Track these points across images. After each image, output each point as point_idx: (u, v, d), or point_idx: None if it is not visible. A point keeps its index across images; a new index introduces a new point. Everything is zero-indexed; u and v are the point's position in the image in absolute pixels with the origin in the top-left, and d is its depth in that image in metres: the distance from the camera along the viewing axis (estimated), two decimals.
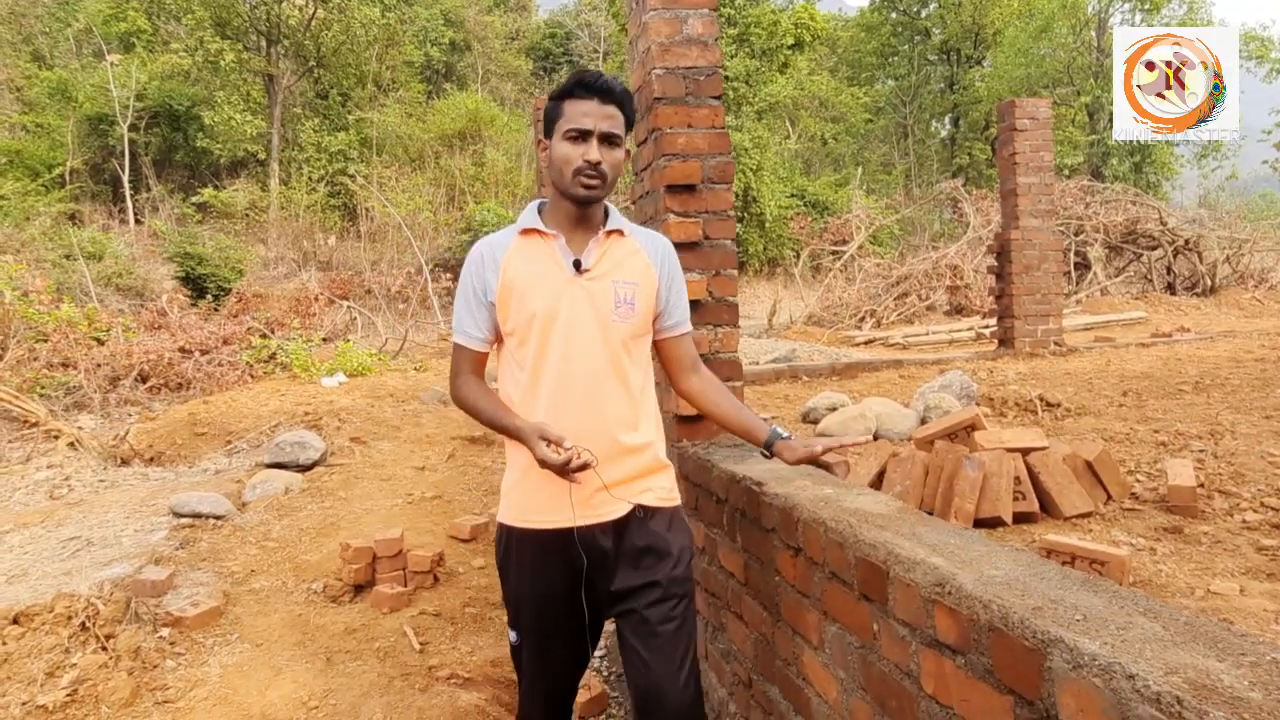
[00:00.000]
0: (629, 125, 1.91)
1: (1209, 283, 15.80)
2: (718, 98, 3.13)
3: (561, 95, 1.89)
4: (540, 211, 1.97)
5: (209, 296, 13.61)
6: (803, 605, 2.00)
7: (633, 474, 1.91)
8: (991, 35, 28.47)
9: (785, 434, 2.04)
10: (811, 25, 26.37)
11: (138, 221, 18.18)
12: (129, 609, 3.09)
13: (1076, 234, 15.93)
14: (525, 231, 1.93)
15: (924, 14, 29.65)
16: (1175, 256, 16.20)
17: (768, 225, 18.92)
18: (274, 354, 10.04)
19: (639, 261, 1.96)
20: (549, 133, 1.90)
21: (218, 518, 4.65)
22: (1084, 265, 16.01)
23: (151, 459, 6.47)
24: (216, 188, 18.83)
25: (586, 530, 1.86)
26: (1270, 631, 1.98)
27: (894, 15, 29.63)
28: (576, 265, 1.89)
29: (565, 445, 1.75)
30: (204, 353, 10.19)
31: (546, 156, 1.92)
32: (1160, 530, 2.86)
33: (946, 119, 31.16)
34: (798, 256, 17.17)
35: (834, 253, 16.91)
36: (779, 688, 2.21)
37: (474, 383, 2.00)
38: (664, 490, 1.97)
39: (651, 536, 1.91)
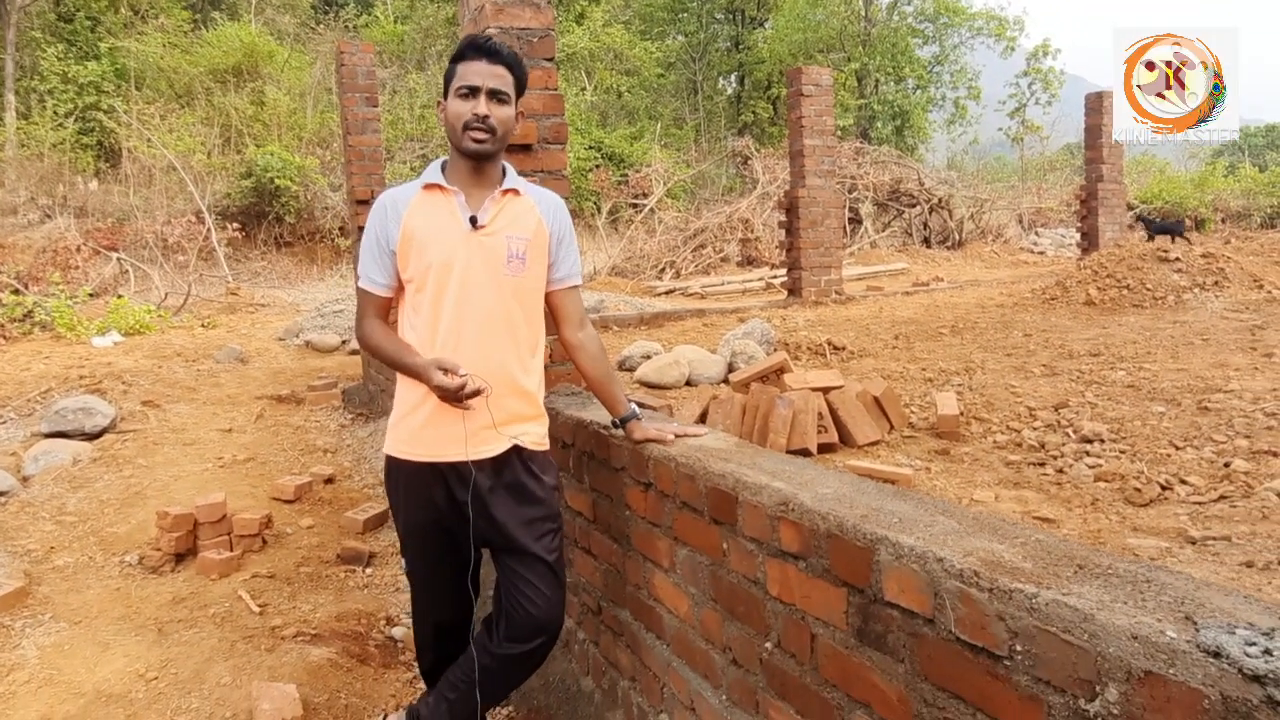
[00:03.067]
0: (520, 88, 2.05)
1: (957, 237, 17.88)
2: (551, 59, 3.23)
3: (455, 58, 2.02)
4: (444, 169, 2.09)
5: None
6: (654, 534, 2.24)
7: (515, 416, 2.08)
8: None
9: (640, 414, 2.25)
10: None
11: None
12: None
13: (850, 191, 17.37)
14: (428, 186, 2.05)
15: None
16: (930, 213, 18.15)
17: (568, 177, 18.99)
18: (30, 312, 8.97)
19: (532, 218, 2.11)
20: (446, 93, 2.03)
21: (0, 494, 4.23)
22: (856, 220, 17.53)
23: None
24: None
25: (468, 465, 2.01)
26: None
27: None
28: (473, 221, 2.01)
29: (460, 372, 1.91)
30: None
31: (443, 115, 2.04)
32: (932, 452, 3.40)
33: (733, 77, 32.45)
34: (599, 209, 17.44)
35: (633, 205, 17.37)
36: (629, 610, 2.44)
37: (378, 325, 2.09)
38: (539, 436, 2.16)
39: (528, 475, 2.10)
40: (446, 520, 2.06)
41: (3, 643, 2.87)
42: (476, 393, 1.92)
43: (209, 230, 12.54)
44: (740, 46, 30.69)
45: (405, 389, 2.06)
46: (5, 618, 3.02)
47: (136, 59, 17.92)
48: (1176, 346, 4.98)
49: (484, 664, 2.10)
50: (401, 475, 2.08)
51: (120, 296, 9.92)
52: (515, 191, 2.09)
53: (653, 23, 30.36)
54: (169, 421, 5.56)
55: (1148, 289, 6.59)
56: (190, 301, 10.51)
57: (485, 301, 2.02)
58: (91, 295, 10.21)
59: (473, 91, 1.97)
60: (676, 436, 2.18)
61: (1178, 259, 6.85)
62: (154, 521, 3.70)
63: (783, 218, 9.60)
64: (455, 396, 1.90)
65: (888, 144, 24.32)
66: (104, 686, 2.64)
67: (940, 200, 18.08)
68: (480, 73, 1.97)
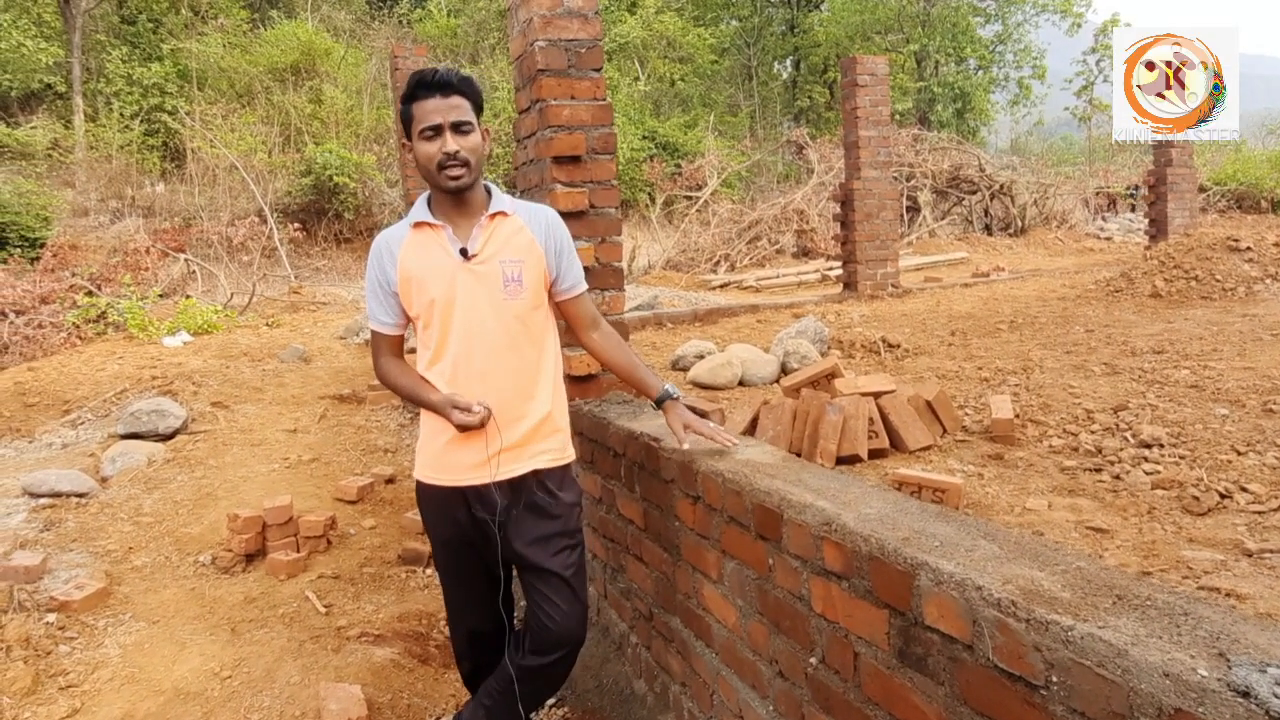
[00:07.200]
0: (478, 108, 2.07)
1: (1020, 224, 17.42)
2: (599, 69, 3.27)
3: (408, 99, 2.04)
4: (429, 202, 2.15)
5: (12, 249, 12.25)
6: (702, 546, 2.28)
7: (529, 438, 2.15)
8: None
9: (676, 394, 2.30)
10: None
11: None
12: (12, 598, 3.01)
13: (908, 179, 17.06)
14: (417, 225, 2.11)
15: None
16: (992, 200, 17.71)
17: (621, 168, 19.04)
18: (104, 313, 9.36)
19: (523, 239, 2.14)
20: (409, 135, 2.06)
21: (80, 495, 4.46)
22: (914, 209, 17.20)
23: None
24: (9, 124, 16.76)
25: (487, 487, 2.11)
26: (1071, 539, 2.45)
27: None
28: (464, 253, 2.07)
29: (474, 408, 2.02)
30: (19, 313, 9.37)
31: (412, 158, 2.09)
32: (986, 458, 3.36)
33: (788, 61, 32.05)
34: (652, 200, 17.43)
35: (688, 197, 17.32)
36: (679, 618, 2.49)
37: (393, 362, 2.19)
38: (557, 451, 2.22)
39: (544, 494, 2.18)
40: (470, 535, 2.16)
41: (87, 641, 3.04)
42: (488, 417, 2.04)
43: (271, 229, 12.90)
44: (796, 30, 30.27)
45: (427, 416, 2.16)
46: (89, 617, 3.20)
47: (198, 59, 18.41)
48: (1244, 343, 4.81)
49: (510, 675, 2.20)
50: (429, 498, 2.19)
51: (189, 297, 10.30)
52: (503, 214, 2.13)
53: (706, 8, 30.06)
54: (237, 422, 5.77)
55: (1217, 280, 6.36)
56: (255, 301, 10.86)
57: (489, 330, 2.08)
58: (161, 296, 10.61)
59: (436, 131, 2.00)
60: (708, 436, 2.23)
61: (1249, 248, 6.60)
62: (225, 523, 3.88)
63: (837, 210, 9.50)
64: (477, 429, 2.01)
65: (948, 127, 23.77)
66: (182, 684, 2.79)
67: (1002, 186, 17.63)
68: (438, 110, 1.99)
